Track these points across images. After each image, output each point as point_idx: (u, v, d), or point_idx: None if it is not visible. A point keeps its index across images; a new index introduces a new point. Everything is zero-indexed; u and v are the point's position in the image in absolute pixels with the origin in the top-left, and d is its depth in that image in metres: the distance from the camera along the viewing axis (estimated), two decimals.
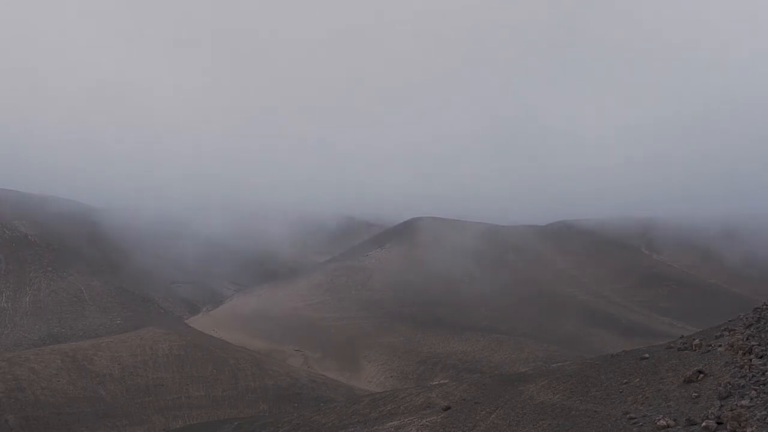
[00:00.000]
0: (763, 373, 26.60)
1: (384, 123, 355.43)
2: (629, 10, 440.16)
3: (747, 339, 30.07)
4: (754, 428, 22.46)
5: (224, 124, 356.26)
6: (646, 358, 32.73)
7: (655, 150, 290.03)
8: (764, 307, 32.44)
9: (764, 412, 23.33)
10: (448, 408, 35.86)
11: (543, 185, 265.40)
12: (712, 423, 23.73)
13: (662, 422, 25.23)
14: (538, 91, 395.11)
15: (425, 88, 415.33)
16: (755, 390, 25.52)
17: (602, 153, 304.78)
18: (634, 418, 26.81)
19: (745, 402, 24.70)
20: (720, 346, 30.73)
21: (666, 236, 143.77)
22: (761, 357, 28.06)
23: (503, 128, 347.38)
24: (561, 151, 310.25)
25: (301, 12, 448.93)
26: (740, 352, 29.19)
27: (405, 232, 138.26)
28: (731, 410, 24.02)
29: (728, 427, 23.18)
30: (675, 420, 25.37)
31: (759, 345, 28.98)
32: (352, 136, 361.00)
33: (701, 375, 28.43)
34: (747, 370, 27.38)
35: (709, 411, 24.95)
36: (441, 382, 50.94)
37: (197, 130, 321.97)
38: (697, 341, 32.26)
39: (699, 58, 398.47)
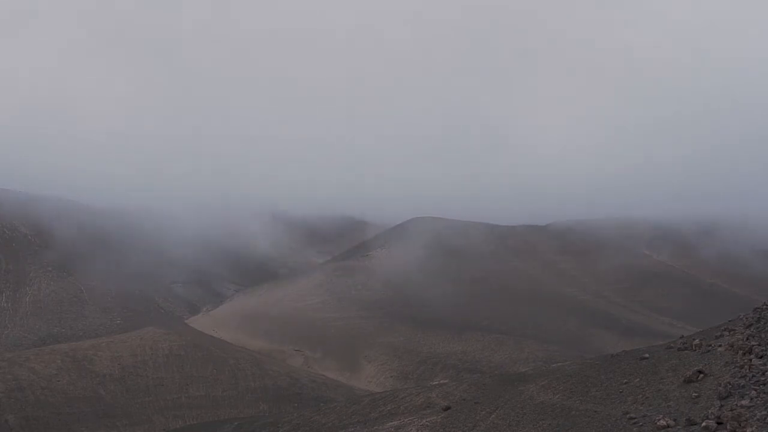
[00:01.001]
0: (763, 373, 26.60)
1: (384, 122, 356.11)
2: (620, 13, 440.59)
3: (747, 339, 30.05)
4: (754, 428, 22.45)
5: (223, 124, 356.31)
6: (646, 358, 32.71)
7: (654, 150, 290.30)
8: (764, 307, 32.44)
9: (764, 412, 23.33)
10: (448, 408, 35.83)
11: (543, 185, 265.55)
12: (712, 423, 23.72)
13: (662, 422, 25.22)
14: (537, 92, 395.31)
15: (422, 87, 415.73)
16: (755, 390, 25.51)
17: (603, 153, 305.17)
18: (634, 418, 26.79)
19: (745, 402, 24.69)
20: (720, 346, 30.72)
21: (666, 236, 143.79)
22: (761, 357, 28.05)
23: (499, 128, 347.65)
24: (561, 151, 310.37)
25: (296, 9, 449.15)
26: (740, 352, 29.18)
27: (405, 232, 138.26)
28: (731, 410, 24.01)
29: (728, 427, 23.17)
30: (675, 420, 25.36)
31: (759, 345, 28.97)
32: (352, 136, 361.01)
33: (701, 375, 28.42)
34: (747, 370, 27.37)
35: (709, 411, 24.94)
36: (441, 382, 50.91)
37: (196, 130, 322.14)
38: (697, 341, 32.24)
39: (695, 57, 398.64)
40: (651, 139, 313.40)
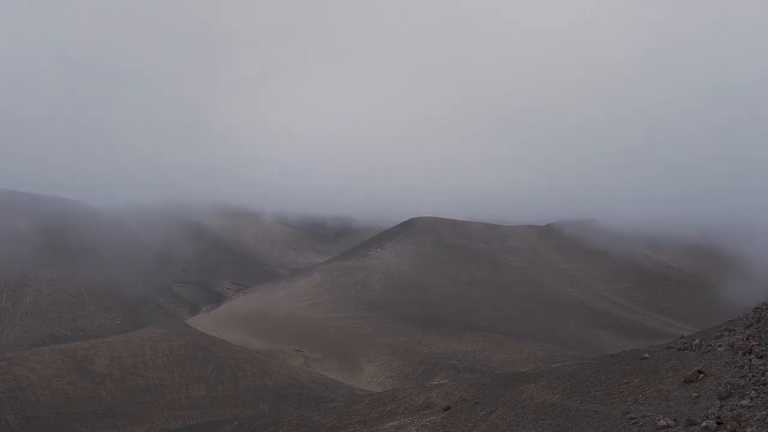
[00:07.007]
0: (763, 373, 26.59)
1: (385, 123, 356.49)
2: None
3: (747, 339, 30.05)
4: (754, 428, 22.43)
5: (220, 124, 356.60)
6: (646, 358, 32.68)
7: (655, 149, 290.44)
8: (764, 307, 32.42)
9: (764, 412, 23.32)
10: (448, 408, 35.80)
11: (542, 185, 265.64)
12: (712, 423, 23.69)
13: (662, 422, 25.18)
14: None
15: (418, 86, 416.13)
16: (755, 390, 25.50)
17: (603, 152, 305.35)
18: (634, 418, 26.76)
19: (745, 402, 24.68)
20: (720, 346, 30.70)
21: (666, 236, 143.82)
22: (761, 357, 28.04)
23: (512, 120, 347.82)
24: (562, 150, 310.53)
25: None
26: (740, 352, 29.17)
27: (405, 232, 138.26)
28: (731, 410, 23.99)
29: (728, 427, 23.14)
30: (675, 420, 25.32)
31: (759, 345, 28.96)
32: (352, 135, 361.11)
33: (701, 375, 28.39)
34: (747, 370, 27.36)
35: (709, 411, 24.91)
36: (441, 382, 50.89)
37: (195, 131, 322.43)
38: (697, 341, 32.22)
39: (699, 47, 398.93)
40: (651, 137, 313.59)
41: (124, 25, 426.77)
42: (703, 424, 23.90)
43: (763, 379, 26.21)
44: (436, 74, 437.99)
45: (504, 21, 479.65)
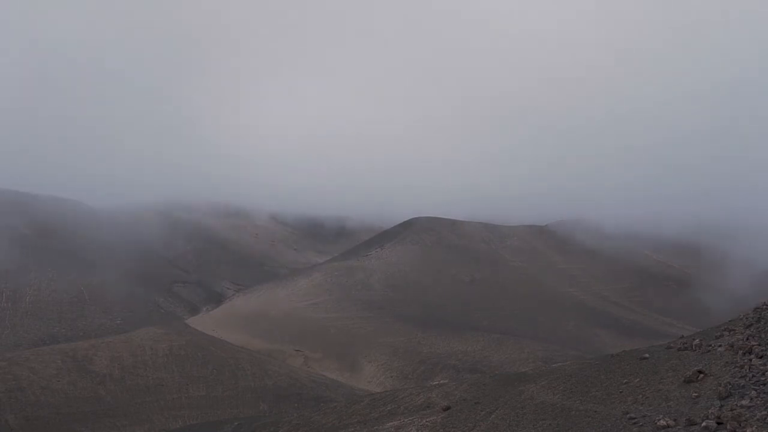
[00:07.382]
0: (763, 373, 26.60)
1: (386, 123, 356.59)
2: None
3: (747, 339, 30.07)
4: (754, 428, 22.44)
5: (219, 124, 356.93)
6: (646, 358, 32.70)
7: (655, 149, 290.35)
8: (764, 307, 32.43)
9: (764, 412, 23.33)
10: (448, 408, 35.82)
11: (542, 185, 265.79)
12: (712, 423, 23.70)
13: (662, 422, 25.19)
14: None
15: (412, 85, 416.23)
16: (755, 390, 25.51)
17: (603, 152, 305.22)
18: (634, 418, 26.77)
19: (745, 402, 24.69)
20: (720, 346, 30.71)
21: (666, 236, 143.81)
22: (761, 357, 28.06)
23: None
24: (562, 150, 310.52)
25: None
26: (740, 352, 29.18)
27: (405, 232, 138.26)
28: (731, 410, 24.00)
29: (728, 427, 23.15)
30: (675, 420, 25.33)
31: (759, 345, 28.98)
32: (351, 134, 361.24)
33: (701, 375, 28.40)
34: (747, 370, 27.38)
35: (709, 411, 24.92)
36: (441, 382, 50.90)
37: (195, 131, 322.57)
38: (697, 341, 32.23)
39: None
40: (651, 137, 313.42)
41: (124, 25, 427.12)
42: (703, 424, 23.91)
43: (763, 379, 26.22)
44: (436, 74, 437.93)
45: (504, 21, 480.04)
